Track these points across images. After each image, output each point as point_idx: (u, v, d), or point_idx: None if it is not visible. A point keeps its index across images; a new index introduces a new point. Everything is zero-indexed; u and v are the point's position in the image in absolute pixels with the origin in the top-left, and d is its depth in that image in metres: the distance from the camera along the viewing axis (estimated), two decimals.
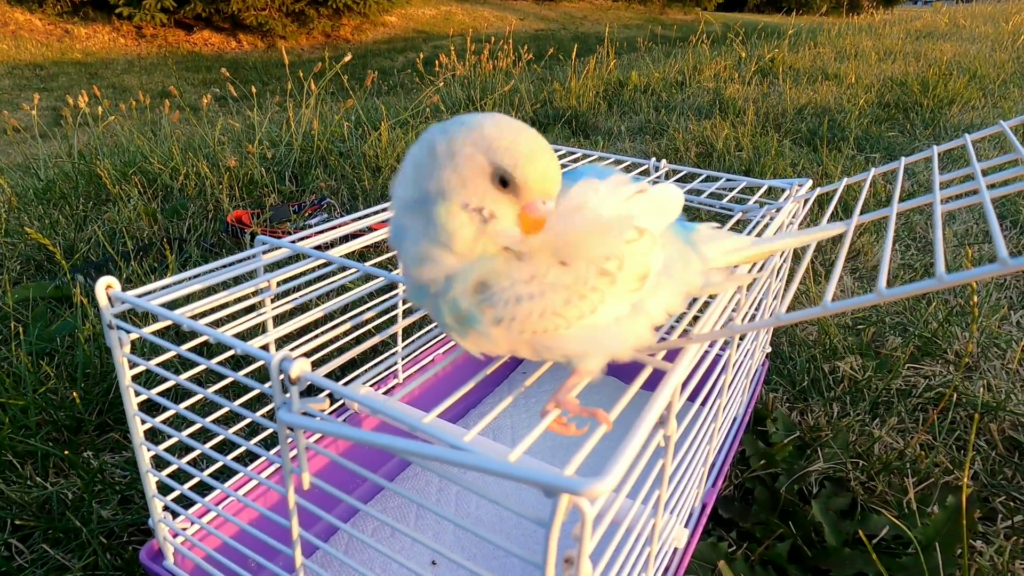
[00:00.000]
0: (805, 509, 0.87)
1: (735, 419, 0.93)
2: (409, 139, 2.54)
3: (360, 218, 0.78)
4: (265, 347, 0.70)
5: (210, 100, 3.09)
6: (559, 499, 0.34)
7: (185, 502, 0.75)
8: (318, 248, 0.70)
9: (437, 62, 4.00)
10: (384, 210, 0.84)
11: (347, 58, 2.42)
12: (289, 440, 0.47)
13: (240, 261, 0.65)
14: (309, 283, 0.71)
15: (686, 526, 0.72)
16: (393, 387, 0.97)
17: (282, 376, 0.44)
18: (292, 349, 0.55)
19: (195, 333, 0.55)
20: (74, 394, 0.99)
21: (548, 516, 0.35)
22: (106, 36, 8.62)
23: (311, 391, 0.45)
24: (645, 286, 0.44)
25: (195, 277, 0.59)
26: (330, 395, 0.47)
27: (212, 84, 6.07)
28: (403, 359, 1.01)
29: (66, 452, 0.89)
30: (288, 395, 0.44)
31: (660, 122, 3.03)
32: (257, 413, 0.53)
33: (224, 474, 0.83)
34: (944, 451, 0.99)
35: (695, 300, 0.61)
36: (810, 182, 0.93)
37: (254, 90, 2.85)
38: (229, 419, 0.99)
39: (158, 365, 0.55)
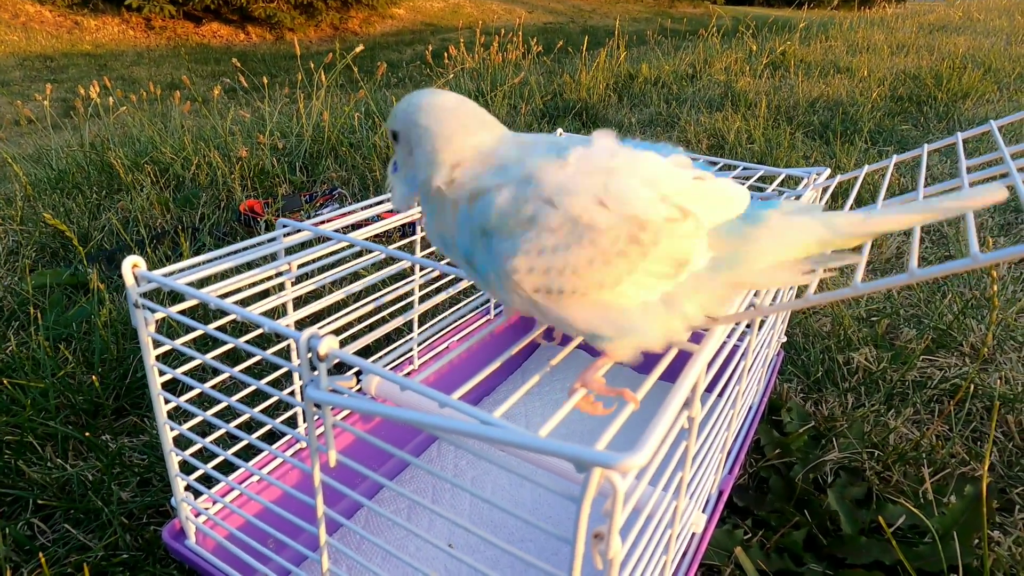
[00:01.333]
0: (820, 498, 0.87)
1: (751, 408, 0.93)
2: None
3: (378, 203, 0.79)
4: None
5: (220, 91, 3.10)
6: (591, 473, 0.34)
7: (206, 482, 0.76)
8: (337, 231, 0.71)
9: (446, 54, 3.99)
10: (378, 204, 0.84)
11: (359, 49, 2.42)
12: (316, 419, 0.47)
13: (261, 243, 0.65)
14: (325, 268, 0.72)
15: (703, 511, 0.72)
16: (408, 373, 0.97)
17: (310, 354, 0.44)
18: None
19: (216, 314, 0.55)
20: (94, 377, 1.00)
21: (580, 490, 0.35)
22: (115, 28, 8.64)
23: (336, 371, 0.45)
24: (681, 276, 0.43)
25: (219, 258, 0.59)
26: (355, 375, 0.47)
27: (221, 76, 6.08)
28: (418, 345, 1.01)
29: (87, 434, 0.89)
30: (316, 372, 0.44)
31: (671, 114, 3.02)
32: (278, 394, 0.54)
33: (243, 454, 0.84)
34: (960, 442, 0.99)
35: None
36: (828, 171, 0.92)
37: (265, 81, 2.86)
38: (248, 400, 0.99)
39: (179, 345, 0.56)
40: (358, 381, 0.48)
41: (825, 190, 0.86)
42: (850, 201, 0.65)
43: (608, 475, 0.34)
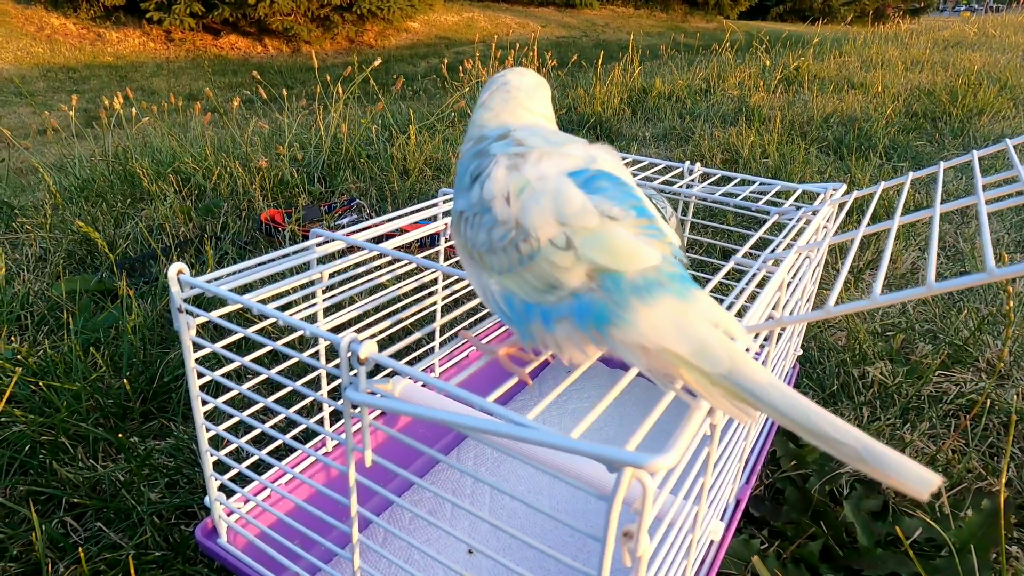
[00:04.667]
0: (836, 510, 0.88)
1: (767, 418, 0.94)
2: (436, 143, 2.58)
3: (408, 214, 0.81)
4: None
5: (239, 103, 3.16)
6: (623, 473, 0.36)
7: (238, 482, 0.78)
8: (368, 241, 0.73)
9: (461, 68, 4.05)
10: (418, 211, 0.86)
11: (377, 62, 2.47)
12: (352, 419, 0.49)
13: (296, 252, 0.67)
14: (350, 279, 0.74)
15: (722, 520, 0.73)
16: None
17: (349, 356, 0.46)
18: None
19: (256, 318, 0.57)
20: (124, 380, 1.03)
21: (611, 490, 0.37)
22: (136, 40, 8.82)
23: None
24: (553, 297, 0.43)
25: (257, 266, 0.62)
26: (388, 376, 0.50)
27: (239, 87, 6.18)
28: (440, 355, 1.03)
29: (120, 435, 0.92)
30: (355, 374, 0.46)
31: (685, 128, 3.04)
32: (315, 395, 0.56)
33: (275, 455, 0.86)
34: (977, 457, 0.99)
35: (732, 301, 0.63)
36: (844, 187, 0.94)
37: (284, 92, 2.91)
38: (284, 401, 1.02)
39: (220, 348, 0.58)
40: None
41: (842, 206, 0.87)
42: (866, 219, 0.67)
43: (638, 475, 0.36)
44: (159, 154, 2.57)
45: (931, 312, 1.40)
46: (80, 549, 0.75)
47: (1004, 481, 0.80)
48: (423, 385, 0.75)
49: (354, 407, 0.48)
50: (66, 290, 1.38)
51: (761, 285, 0.70)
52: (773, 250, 0.72)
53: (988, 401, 1.09)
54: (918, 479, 0.34)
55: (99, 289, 1.42)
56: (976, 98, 3.40)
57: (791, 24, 13.36)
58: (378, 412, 0.87)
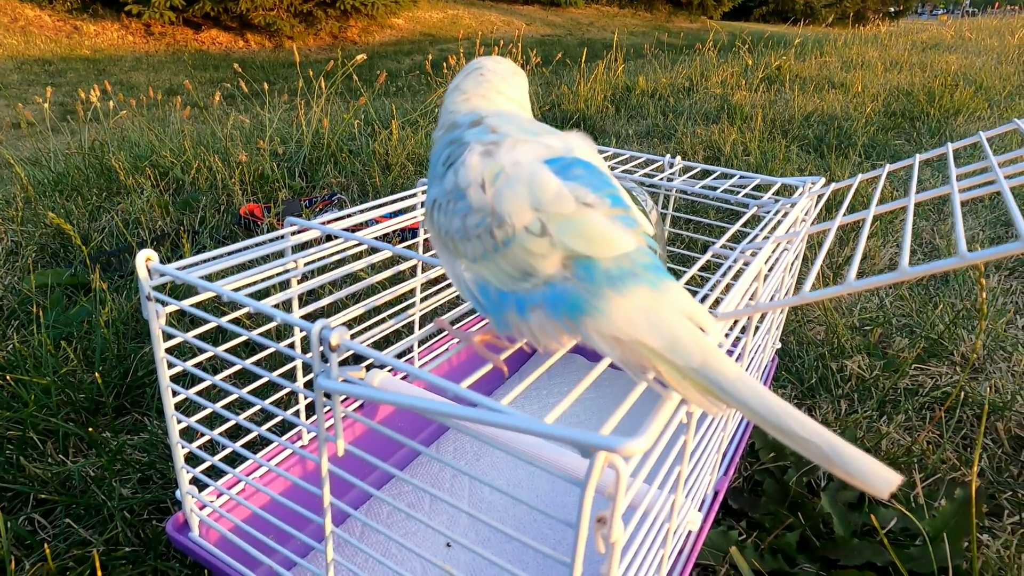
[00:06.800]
0: (814, 501, 0.89)
1: None
2: (419, 139, 2.56)
3: (386, 203, 0.80)
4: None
5: (220, 98, 3.12)
6: (595, 457, 0.36)
7: (209, 475, 0.77)
8: (345, 231, 0.72)
9: (445, 64, 4.03)
10: (397, 200, 0.85)
11: (361, 58, 2.45)
12: (326, 409, 0.48)
13: (271, 241, 0.66)
14: (327, 268, 0.73)
15: (700, 510, 0.73)
16: (406, 375, 0.99)
17: (321, 346, 0.45)
18: None
19: (220, 310, 0.56)
20: (96, 375, 1.01)
21: (584, 474, 0.36)
22: (114, 33, 8.67)
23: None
24: (528, 284, 0.42)
25: (229, 254, 0.61)
26: (365, 368, 0.49)
27: (220, 82, 6.11)
28: (419, 346, 1.02)
29: (90, 430, 0.90)
30: (327, 363, 0.45)
31: (668, 126, 3.05)
32: (291, 385, 0.55)
33: (249, 448, 0.85)
34: (951, 448, 1.00)
35: (709, 288, 0.63)
36: (823, 180, 0.94)
37: (267, 87, 2.88)
38: (259, 393, 1.00)
39: (191, 337, 0.57)
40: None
41: (820, 199, 0.88)
42: (843, 208, 0.67)
43: (611, 459, 0.36)
44: (137, 148, 2.52)
45: (908, 307, 1.42)
46: (47, 546, 0.73)
47: (976, 471, 0.81)
48: (395, 372, 0.74)
49: (327, 395, 0.47)
50: (37, 284, 1.35)
51: (738, 277, 0.70)
52: (751, 241, 0.72)
53: (962, 394, 1.10)
54: (879, 478, 0.34)
55: (72, 283, 1.40)
56: (953, 99, 3.45)
57: (773, 25, 13.49)
58: (356, 404, 0.86)
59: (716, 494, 0.79)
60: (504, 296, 0.44)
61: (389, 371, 0.96)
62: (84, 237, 1.70)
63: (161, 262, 0.55)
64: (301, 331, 0.77)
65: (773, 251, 0.73)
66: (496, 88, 0.55)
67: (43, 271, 1.43)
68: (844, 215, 0.65)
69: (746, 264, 0.64)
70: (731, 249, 0.72)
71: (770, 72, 4.29)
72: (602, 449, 0.35)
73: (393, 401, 0.40)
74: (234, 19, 9.13)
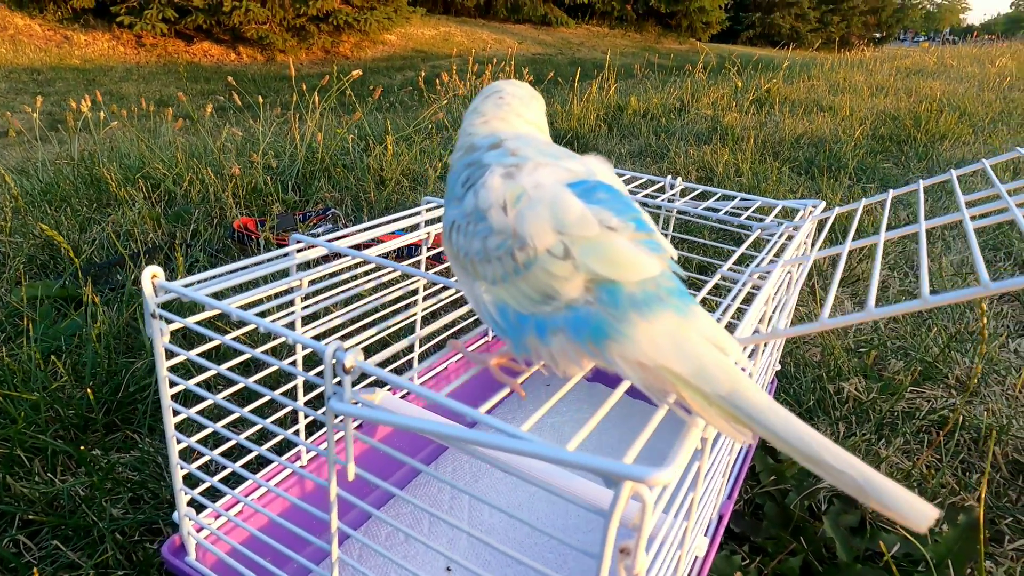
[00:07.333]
0: (815, 525, 0.88)
1: None
2: (413, 154, 2.56)
3: (391, 221, 0.79)
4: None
5: (212, 110, 3.10)
6: (621, 487, 0.35)
7: (207, 496, 0.75)
8: (351, 248, 0.71)
9: (438, 81, 4.05)
10: (401, 218, 0.85)
11: (357, 73, 2.45)
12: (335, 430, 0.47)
13: (276, 258, 0.65)
14: (330, 287, 0.72)
15: (705, 535, 0.72)
16: (406, 395, 0.97)
17: (334, 364, 0.44)
18: None
19: (229, 327, 0.55)
20: (88, 390, 0.98)
21: (608, 505, 0.36)
22: (105, 44, 8.64)
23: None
24: (549, 308, 0.42)
25: (235, 271, 0.60)
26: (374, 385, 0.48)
27: (211, 94, 6.09)
28: (418, 363, 1.01)
29: (82, 448, 0.88)
30: (339, 383, 0.44)
31: (660, 146, 3.08)
32: (295, 404, 0.54)
33: (246, 468, 0.83)
34: (950, 472, 1.00)
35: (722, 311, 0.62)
36: (823, 203, 0.95)
37: (260, 100, 2.87)
38: (258, 413, 0.98)
39: (195, 356, 0.56)
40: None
41: (822, 223, 0.88)
42: (851, 233, 0.67)
43: (637, 489, 0.35)
44: (128, 159, 2.50)
45: (902, 329, 1.43)
46: (35, 569, 0.71)
47: (983, 495, 0.81)
48: (405, 396, 0.73)
49: (338, 418, 0.46)
50: (26, 296, 1.32)
51: (745, 301, 0.70)
52: (758, 265, 0.72)
53: (960, 418, 1.11)
54: (916, 512, 0.33)
55: (62, 296, 1.37)
56: (938, 124, 3.52)
57: (761, 48, 13.72)
58: (355, 423, 0.84)
59: (720, 518, 0.78)
60: (524, 319, 0.43)
61: (406, 395, 0.95)
62: (74, 248, 1.67)
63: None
64: (305, 349, 0.76)
65: (780, 276, 0.73)
66: (515, 111, 0.55)
67: (32, 283, 1.40)
68: (853, 240, 0.66)
69: (756, 288, 0.64)
70: (738, 272, 0.72)
71: (760, 94, 4.35)
72: (629, 479, 0.34)
73: (413, 427, 0.39)
74: (226, 32, 9.15)
